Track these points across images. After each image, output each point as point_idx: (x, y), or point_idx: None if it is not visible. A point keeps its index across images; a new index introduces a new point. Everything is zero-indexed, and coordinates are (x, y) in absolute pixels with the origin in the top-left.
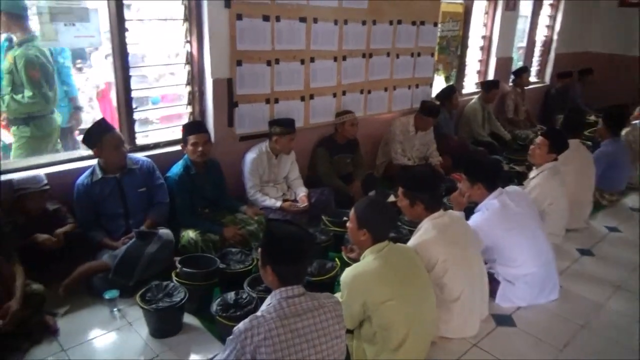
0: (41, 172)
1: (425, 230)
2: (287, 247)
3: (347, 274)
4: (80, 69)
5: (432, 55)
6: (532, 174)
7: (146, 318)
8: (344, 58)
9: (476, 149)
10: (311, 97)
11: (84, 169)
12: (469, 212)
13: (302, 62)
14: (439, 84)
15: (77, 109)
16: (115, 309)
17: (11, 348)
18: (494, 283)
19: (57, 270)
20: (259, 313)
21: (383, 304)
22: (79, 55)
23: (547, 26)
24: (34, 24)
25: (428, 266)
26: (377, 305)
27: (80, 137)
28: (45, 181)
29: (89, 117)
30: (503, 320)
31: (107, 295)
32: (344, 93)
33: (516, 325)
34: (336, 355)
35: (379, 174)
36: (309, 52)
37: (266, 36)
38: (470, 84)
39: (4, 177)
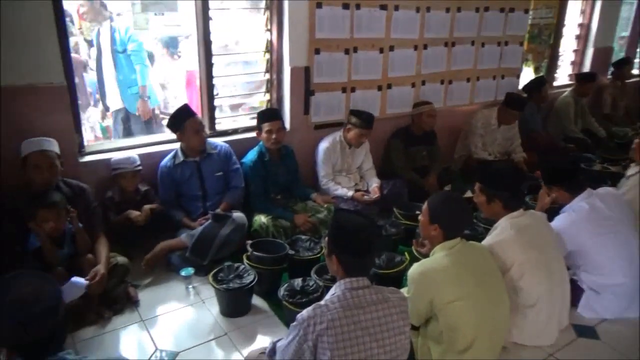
0: (132, 153)
1: (502, 230)
2: (353, 238)
3: (414, 270)
4: (171, 57)
5: (521, 44)
6: (629, 172)
7: (217, 297)
8: (425, 47)
9: (566, 146)
10: (389, 86)
11: (169, 151)
12: (554, 213)
13: (381, 50)
14: (528, 75)
15: (144, 98)
16: (190, 286)
17: (96, 315)
18: (577, 291)
19: (140, 246)
20: (322, 302)
21: (451, 303)
22: (170, 43)
23: None
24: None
25: (503, 268)
26: (445, 305)
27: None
28: (139, 162)
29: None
30: (585, 331)
31: (183, 272)
32: (423, 83)
33: (600, 338)
34: (399, 351)
35: (456, 168)
36: (389, 41)
37: (345, 24)
38: (563, 76)
39: (102, 157)
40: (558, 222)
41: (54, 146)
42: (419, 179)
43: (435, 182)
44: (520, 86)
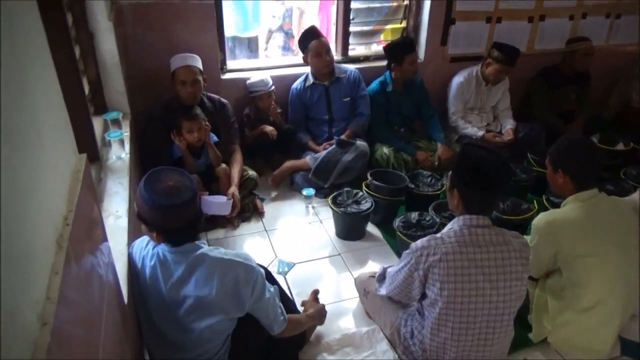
0: (267, 74)
1: None
2: (479, 172)
3: (540, 219)
4: None
5: None
6: None
7: (335, 219)
8: None
9: None
10: (541, 18)
11: (302, 74)
12: None
13: None
14: None
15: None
16: (310, 205)
17: (228, 220)
18: None
19: (269, 162)
20: (438, 235)
21: (580, 258)
22: None
23: None
24: None
25: None
26: (572, 259)
27: None
28: (271, 83)
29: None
30: None
31: (305, 192)
32: (584, 16)
33: None
34: (514, 296)
35: (609, 117)
36: None
37: None
38: None
39: (241, 75)
40: None
41: (197, 62)
42: (561, 124)
43: (580, 129)
44: None
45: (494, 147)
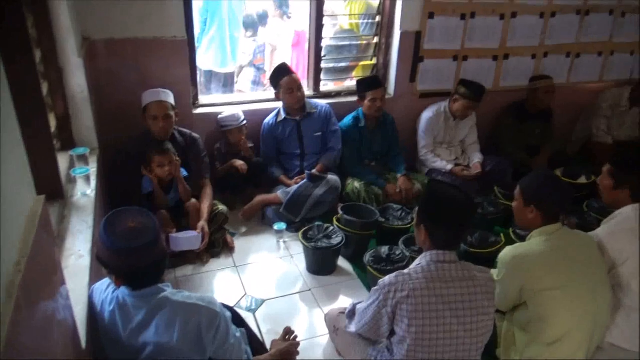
0: (239, 109)
1: (624, 219)
2: (445, 209)
3: (506, 253)
4: (282, 17)
5: None
6: None
7: (306, 254)
8: (553, 14)
9: None
10: (506, 57)
11: (274, 109)
12: None
13: (502, 17)
14: None
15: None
16: (281, 240)
17: (197, 256)
18: None
19: (240, 197)
20: (406, 271)
21: (545, 292)
22: (284, 3)
23: None
24: None
25: (616, 261)
26: (537, 293)
27: None
28: (243, 117)
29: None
30: None
31: (277, 226)
32: (545, 55)
33: None
34: (481, 331)
35: (572, 151)
36: (512, 6)
37: None
38: None
39: (213, 110)
40: None
41: (170, 97)
42: (527, 159)
43: (545, 163)
44: None
45: (463, 180)
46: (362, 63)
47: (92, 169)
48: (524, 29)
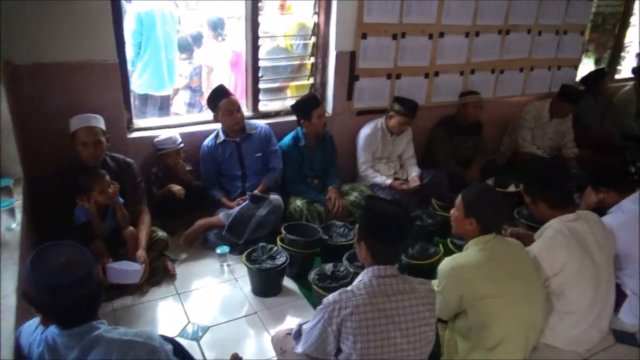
0: (176, 132)
1: (555, 232)
2: (384, 226)
3: (445, 264)
4: (216, 38)
5: (582, 33)
6: None
7: (250, 276)
8: (477, 34)
9: (623, 143)
10: (436, 74)
11: (212, 130)
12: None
13: (430, 36)
14: (588, 67)
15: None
16: (224, 264)
17: (136, 287)
18: (619, 296)
19: (180, 222)
20: (349, 288)
21: (482, 300)
22: (218, 25)
23: None
24: None
25: (549, 271)
26: (476, 301)
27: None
28: (180, 140)
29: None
30: (624, 337)
31: (219, 250)
32: (472, 72)
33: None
34: (423, 342)
35: (501, 162)
36: (439, 27)
37: (394, 9)
38: (627, 69)
39: (149, 134)
40: (605, 223)
41: (100, 122)
42: (460, 170)
43: (477, 174)
44: (578, 78)
45: (402, 194)
46: (295, 83)
47: (17, 201)
48: (451, 47)
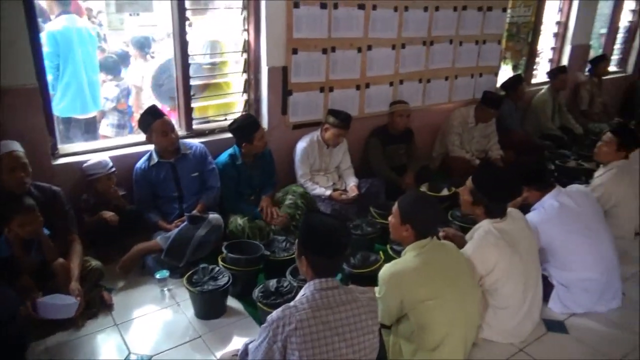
0: (105, 155)
1: (486, 234)
2: (323, 239)
3: (385, 271)
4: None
5: (499, 42)
6: (598, 172)
7: (192, 299)
8: (403, 46)
9: (542, 143)
10: (367, 85)
11: (144, 152)
12: (525, 211)
13: (359, 50)
14: (506, 73)
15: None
16: (165, 289)
17: (70, 321)
18: (547, 286)
19: (115, 249)
20: (292, 303)
21: (422, 303)
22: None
23: (633, 11)
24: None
25: (482, 271)
26: (416, 304)
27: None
28: (111, 164)
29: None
30: (554, 326)
31: (158, 275)
32: (401, 82)
33: (568, 332)
34: (367, 350)
35: (434, 167)
36: (367, 40)
37: (323, 24)
38: (541, 74)
39: (77, 159)
40: (529, 219)
41: (20, 147)
42: (396, 178)
43: (412, 180)
44: (499, 84)
45: (342, 204)
46: (230, 99)
47: None
48: (379, 60)
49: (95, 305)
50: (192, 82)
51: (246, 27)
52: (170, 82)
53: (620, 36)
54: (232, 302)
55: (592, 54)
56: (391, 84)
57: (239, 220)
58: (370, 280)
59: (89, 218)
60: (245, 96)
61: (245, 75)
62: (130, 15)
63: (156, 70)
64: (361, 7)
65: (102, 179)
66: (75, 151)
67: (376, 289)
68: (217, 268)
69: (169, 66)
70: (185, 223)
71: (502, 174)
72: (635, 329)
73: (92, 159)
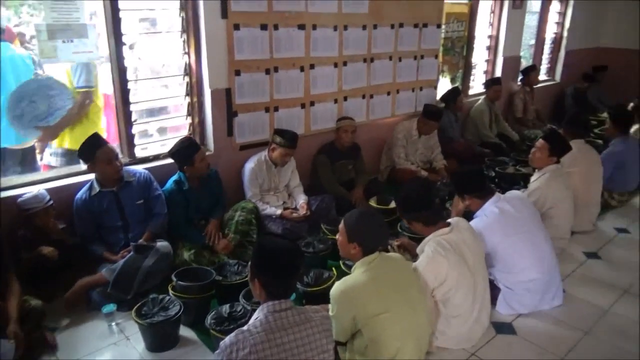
0: (42, 187)
1: (435, 246)
2: (275, 262)
3: (336, 289)
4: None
5: (436, 57)
6: (533, 177)
7: (142, 332)
8: (345, 63)
9: (482, 151)
10: (312, 104)
11: (84, 183)
12: (468, 218)
13: (302, 69)
14: (445, 85)
15: None
16: (113, 323)
17: None
18: (494, 290)
19: (58, 285)
20: (245, 327)
21: (374, 317)
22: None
23: (557, 23)
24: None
25: (435, 282)
26: (368, 319)
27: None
28: (48, 197)
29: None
30: (503, 328)
31: (105, 309)
32: (345, 99)
33: (516, 333)
34: None
35: (382, 179)
36: (309, 59)
37: (264, 45)
38: (477, 85)
39: (11, 193)
40: (473, 226)
41: None
42: (346, 193)
43: (361, 194)
44: (438, 97)
45: (293, 222)
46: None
47: None
48: (322, 78)
49: (38, 347)
50: (133, 108)
51: (186, 50)
52: (33, 109)
53: (547, 47)
54: (185, 331)
55: (524, 64)
56: (335, 101)
57: (185, 255)
58: (325, 297)
59: (26, 255)
60: (189, 119)
61: (188, 98)
62: (64, 42)
63: (9, 101)
64: (301, 27)
65: (40, 213)
66: (10, 185)
67: (329, 306)
68: (168, 297)
69: (27, 91)
70: (131, 253)
71: (410, 186)
72: (577, 324)
73: (28, 193)
